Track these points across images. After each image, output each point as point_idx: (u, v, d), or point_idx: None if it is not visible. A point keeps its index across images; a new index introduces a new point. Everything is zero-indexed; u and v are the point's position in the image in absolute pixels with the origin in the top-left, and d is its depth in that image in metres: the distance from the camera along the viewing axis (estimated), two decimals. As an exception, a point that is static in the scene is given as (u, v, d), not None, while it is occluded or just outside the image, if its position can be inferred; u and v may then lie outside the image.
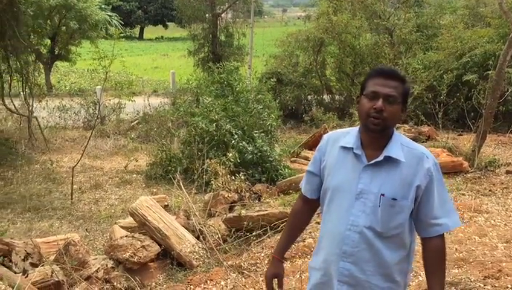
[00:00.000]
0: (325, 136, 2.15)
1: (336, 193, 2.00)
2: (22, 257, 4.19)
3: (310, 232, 4.68)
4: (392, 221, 1.91)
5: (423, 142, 8.89)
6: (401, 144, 1.94)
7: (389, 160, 1.91)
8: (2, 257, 4.14)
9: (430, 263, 1.97)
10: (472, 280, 3.67)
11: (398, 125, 9.99)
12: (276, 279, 2.22)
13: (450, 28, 13.56)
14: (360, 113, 1.96)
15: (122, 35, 9.70)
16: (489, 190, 6.21)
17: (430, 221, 1.94)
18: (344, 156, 2.00)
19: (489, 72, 9.79)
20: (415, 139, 8.28)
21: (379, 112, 1.87)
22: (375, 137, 1.94)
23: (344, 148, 2.01)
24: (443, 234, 1.97)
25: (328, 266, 2.02)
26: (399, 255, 1.96)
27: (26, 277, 3.82)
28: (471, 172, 7.17)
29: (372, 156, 1.94)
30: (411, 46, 13.95)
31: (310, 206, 2.24)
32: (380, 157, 1.92)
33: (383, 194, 1.90)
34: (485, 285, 3.55)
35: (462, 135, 10.26)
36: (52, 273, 3.93)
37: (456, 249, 4.27)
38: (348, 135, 2.04)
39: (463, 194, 6.06)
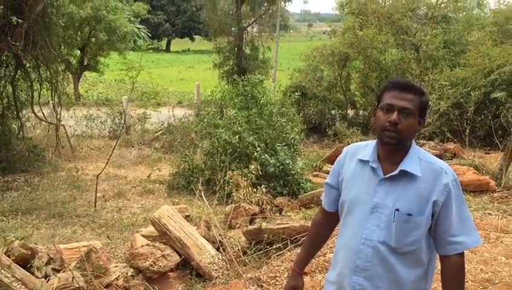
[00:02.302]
0: (344, 149, 2.13)
1: (352, 206, 1.98)
2: (45, 262, 4.25)
3: (331, 247, 4.62)
4: (407, 237, 1.87)
5: (449, 159, 8.74)
6: (419, 157, 1.90)
7: (405, 174, 1.88)
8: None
9: (448, 282, 1.92)
10: (497, 302, 3.57)
11: (423, 142, 10.00)
12: (295, 292, 2.20)
13: (478, 44, 13.43)
14: (376, 126, 1.94)
15: (149, 47, 9.87)
16: (517, 210, 6.06)
17: (449, 238, 1.88)
18: (361, 169, 1.98)
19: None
20: (440, 156, 8.15)
21: (394, 125, 1.84)
22: (391, 150, 1.91)
23: (361, 161, 1.99)
24: (462, 252, 1.91)
25: (342, 280, 2.00)
26: (415, 272, 1.91)
27: (47, 282, 3.86)
28: (498, 191, 7.02)
29: (388, 170, 1.91)
30: (438, 63, 13.82)
31: (329, 219, 2.22)
32: (396, 172, 1.88)
33: (397, 209, 1.86)
34: (511, 308, 3.45)
35: (489, 153, 10.07)
36: (73, 279, 3.97)
37: (481, 269, 4.16)
38: (367, 147, 2.02)
39: (489, 214, 5.91)
